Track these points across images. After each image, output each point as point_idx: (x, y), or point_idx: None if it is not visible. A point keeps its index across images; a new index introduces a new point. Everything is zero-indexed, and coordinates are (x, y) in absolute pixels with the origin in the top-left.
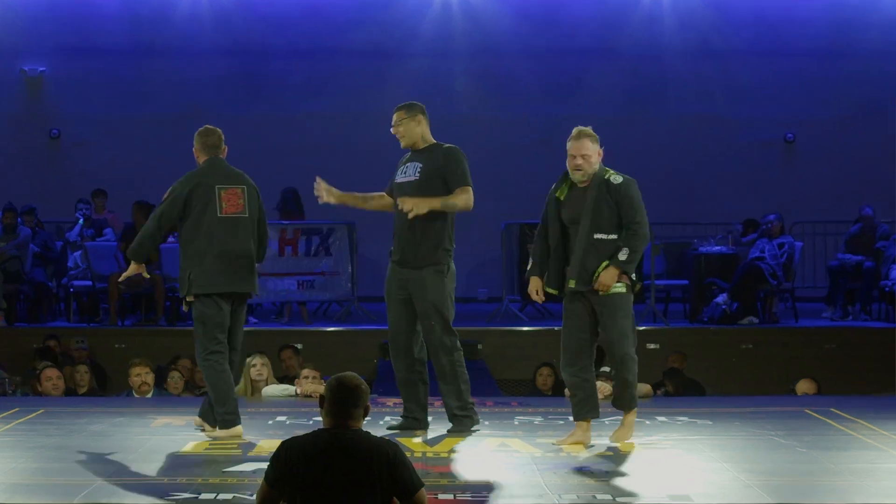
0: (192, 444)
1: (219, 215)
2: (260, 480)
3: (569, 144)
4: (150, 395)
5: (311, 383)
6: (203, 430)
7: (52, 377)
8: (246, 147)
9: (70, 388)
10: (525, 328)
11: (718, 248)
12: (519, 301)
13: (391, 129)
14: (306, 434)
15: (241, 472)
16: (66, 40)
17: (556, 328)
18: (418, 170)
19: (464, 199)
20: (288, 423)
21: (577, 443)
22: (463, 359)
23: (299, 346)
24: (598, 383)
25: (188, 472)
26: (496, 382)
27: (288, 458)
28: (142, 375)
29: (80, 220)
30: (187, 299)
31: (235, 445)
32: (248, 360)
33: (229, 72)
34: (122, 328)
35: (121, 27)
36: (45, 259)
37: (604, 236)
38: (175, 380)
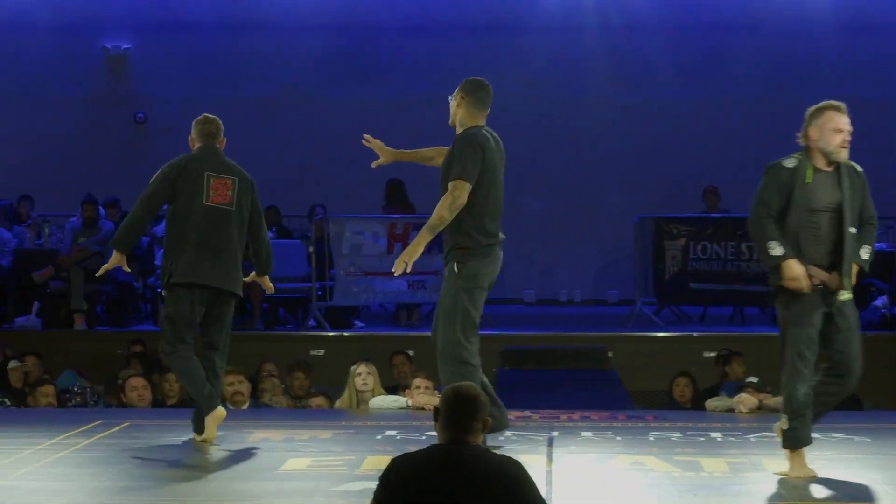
0: (293, 462)
1: (204, 203)
2: (368, 502)
3: (828, 116)
4: (245, 407)
5: (424, 394)
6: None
7: (137, 387)
8: (349, 132)
9: (157, 399)
10: (660, 333)
11: (878, 244)
12: (654, 304)
13: None
14: (419, 450)
15: (347, 492)
16: (152, 15)
17: (694, 334)
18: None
19: (444, 205)
20: (398, 438)
21: (805, 475)
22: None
23: (411, 352)
24: (744, 396)
25: (289, 493)
26: (628, 394)
27: (399, 477)
28: (235, 384)
29: None
30: (163, 293)
31: (340, 463)
32: (352, 368)
33: (331, 50)
34: None
35: (211, 0)
36: (130, 256)
37: (853, 230)
38: (271, 388)
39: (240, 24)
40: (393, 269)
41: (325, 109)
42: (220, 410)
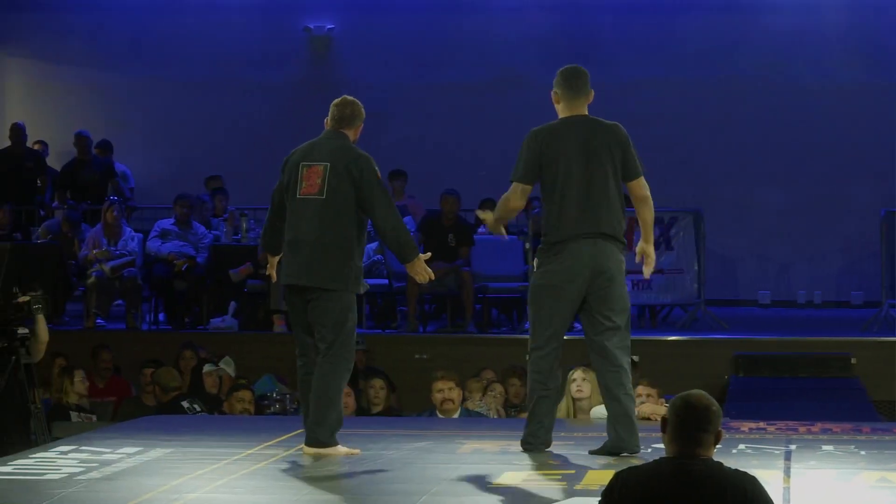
0: (508, 475)
1: (297, 196)
2: None
3: None
4: (456, 416)
5: (649, 403)
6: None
7: None
8: None
9: (362, 407)
10: None
11: None
12: None
13: None
14: (645, 464)
15: None
16: None
17: None
18: None
19: None
20: None
21: None
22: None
23: (636, 358)
24: None
25: None
26: (873, 405)
27: (623, 492)
28: (445, 391)
29: None
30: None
31: (559, 477)
32: (569, 373)
33: (548, 30)
34: (423, 335)
35: None
36: None
37: None
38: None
39: (451, 2)
40: (645, 276)
41: (543, 93)
42: (339, 449)
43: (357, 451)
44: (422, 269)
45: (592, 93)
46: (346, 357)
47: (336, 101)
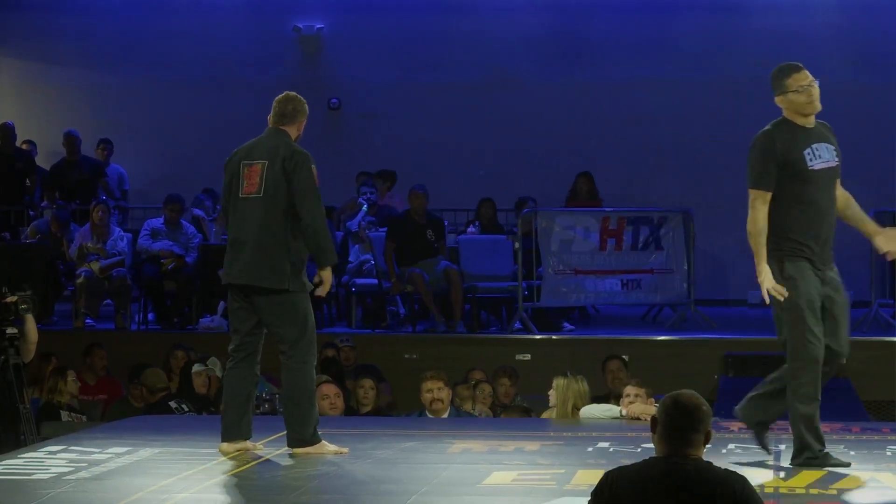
0: (497, 475)
1: (240, 196)
2: None
3: None
4: (445, 416)
5: (639, 403)
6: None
7: (329, 394)
8: (561, 118)
9: (351, 407)
10: None
11: None
12: (891, 306)
13: (805, 87)
14: (635, 464)
15: None
16: None
17: None
18: (834, 152)
19: None
20: (611, 450)
21: None
22: None
23: (626, 357)
24: None
25: None
26: (862, 404)
27: (613, 492)
28: (434, 391)
29: (364, 207)
30: None
31: (548, 477)
32: (554, 381)
33: (542, 31)
34: (412, 335)
35: None
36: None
37: None
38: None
39: (441, 2)
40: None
41: (535, 94)
42: (223, 446)
43: (345, 449)
44: (328, 281)
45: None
46: (312, 353)
47: (278, 97)
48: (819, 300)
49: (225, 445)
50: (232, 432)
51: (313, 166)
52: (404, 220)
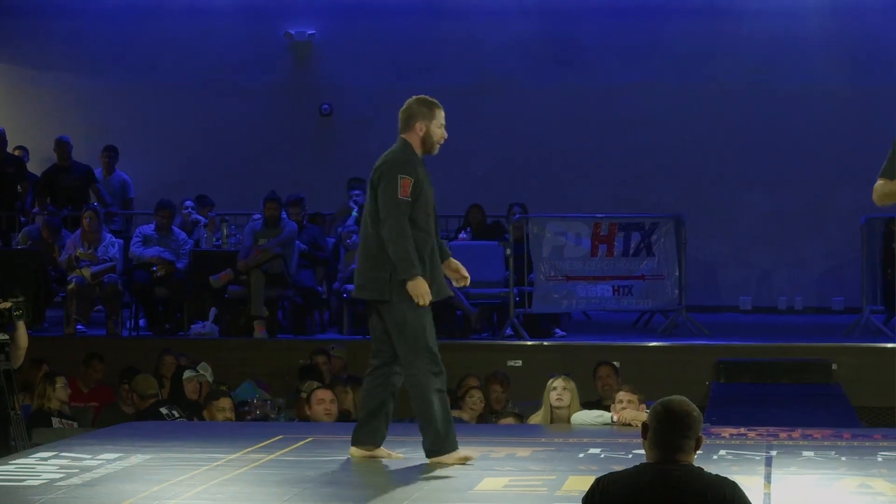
0: (489, 481)
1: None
2: None
3: None
4: None
5: (630, 409)
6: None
7: (324, 400)
8: (552, 122)
9: (344, 413)
10: (889, 345)
11: None
12: (883, 312)
13: None
14: (626, 469)
15: None
16: None
17: None
18: None
19: None
20: (603, 456)
21: None
22: None
23: (617, 363)
24: None
25: None
26: (854, 410)
27: (604, 498)
28: None
29: (355, 212)
30: None
31: (540, 483)
32: (548, 382)
33: (533, 35)
34: None
35: None
36: (314, 259)
37: None
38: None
39: (433, 6)
40: None
41: (526, 98)
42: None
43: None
44: (414, 294)
45: None
46: (420, 363)
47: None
48: None
49: (353, 450)
50: (359, 438)
51: (402, 177)
52: None
